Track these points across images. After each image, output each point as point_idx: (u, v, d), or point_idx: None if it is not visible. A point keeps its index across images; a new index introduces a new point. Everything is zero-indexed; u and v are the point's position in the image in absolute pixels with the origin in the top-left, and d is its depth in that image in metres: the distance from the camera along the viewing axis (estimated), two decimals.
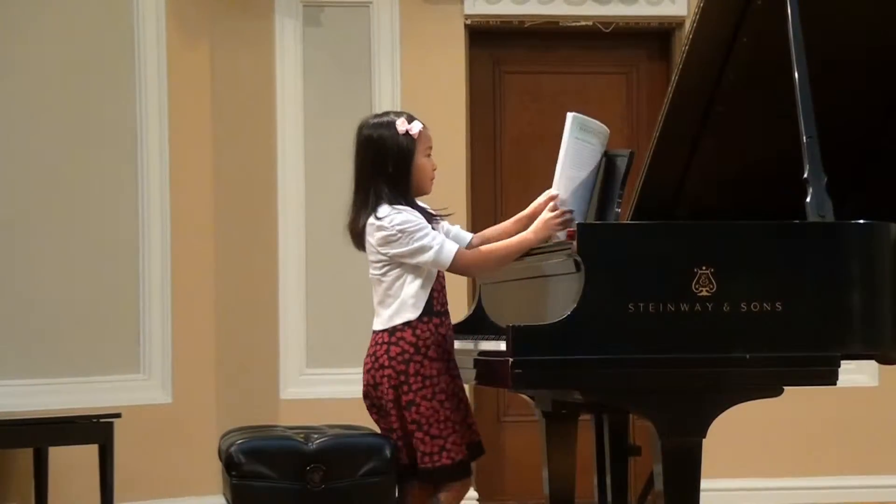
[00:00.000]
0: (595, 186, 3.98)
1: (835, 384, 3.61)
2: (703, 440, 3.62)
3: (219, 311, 6.64)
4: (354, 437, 3.90)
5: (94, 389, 6.20)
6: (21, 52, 6.20)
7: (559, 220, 3.85)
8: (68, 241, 6.24)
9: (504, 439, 6.94)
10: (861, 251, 3.64)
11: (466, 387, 4.11)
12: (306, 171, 6.74)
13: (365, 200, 3.82)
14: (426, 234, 3.76)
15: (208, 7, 6.69)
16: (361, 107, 6.16)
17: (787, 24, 3.78)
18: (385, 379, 3.79)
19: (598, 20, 6.93)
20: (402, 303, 3.80)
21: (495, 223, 4.17)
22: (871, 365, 5.58)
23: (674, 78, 4.04)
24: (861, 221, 3.66)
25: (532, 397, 4.57)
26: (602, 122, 4.01)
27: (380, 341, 3.82)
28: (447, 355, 3.84)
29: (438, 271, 3.83)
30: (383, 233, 3.76)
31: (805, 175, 3.69)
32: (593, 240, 3.56)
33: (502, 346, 3.65)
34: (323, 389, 6.59)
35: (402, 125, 3.83)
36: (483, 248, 3.87)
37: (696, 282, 3.53)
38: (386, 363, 3.79)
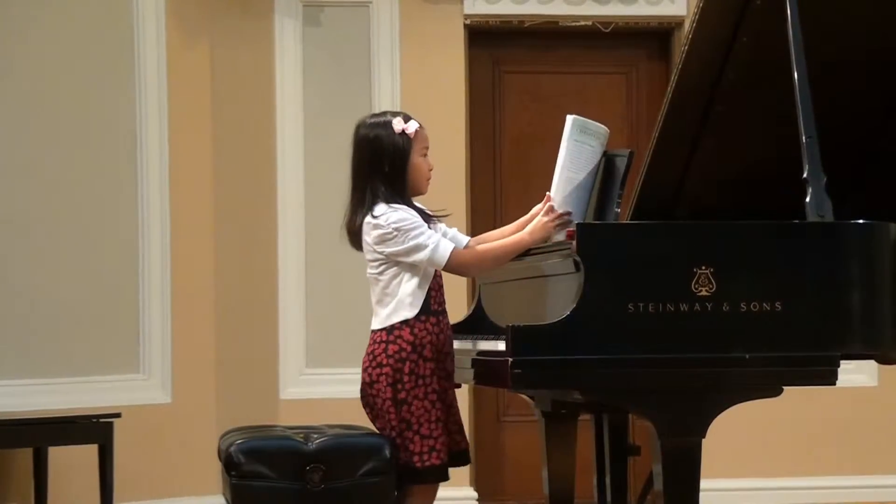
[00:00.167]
0: (594, 188, 3.98)
1: (834, 384, 3.61)
2: (703, 440, 3.61)
3: (218, 311, 6.64)
4: (354, 437, 3.90)
5: (94, 389, 6.20)
6: (21, 52, 6.20)
7: (556, 222, 3.85)
8: (68, 241, 6.24)
9: (504, 439, 6.94)
10: (861, 251, 3.64)
11: (466, 387, 4.11)
12: (306, 170, 6.74)
13: (361, 199, 3.82)
14: (422, 233, 3.76)
15: (208, 6, 6.69)
16: (361, 106, 6.15)
17: (786, 24, 3.78)
18: (383, 377, 3.79)
19: (597, 20, 6.93)
20: (400, 301, 3.80)
21: (495, 223, 4.19)
22: (871, 365, 5.58)
23: (673, 78, 4.04)
24: (861, 221, 3.66)
25: (532, 397, 4.56)
26: (602, 122, 4.01)
27: (378, 340, 3.82)
28: (442, 355, 3.84)
29: (436, 270, 3.83)
30: (379, 231, 3.77)
31: (804, 175, 3.69)
32: (593, 240, 3.56)
33: (501, 345, 3.65)
34: (322, 389, 6.59)
35: (398, 124, 3.84)
36: (479, 247, 3.87)
37: (695, 282, 3.53)
38: (384, 361, 3.79)
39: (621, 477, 4.56)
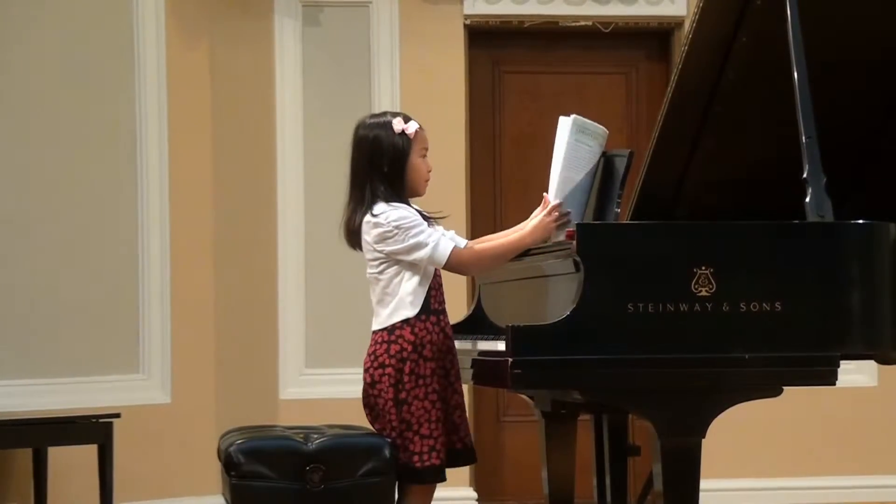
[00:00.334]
0: (593, 188, 3.97)
1: (834, 384, 3.61)
2: (703, 440, 3.61)
3: (218, 311, 6.64)
4: (354, 437, 3.89)
5: (94, 389, 6.20)
6: (20, 52, 6.20)
7: (556, 222, 3.85)
8: (68, 241, 6.24)
9: (504, 439, 6.94)
10: (860, 251, 3.64)
11: (466, 387, 4.10)
12: (306, 170, 6.74)
13: (361, 199, 3.82)
14: (422, 231, 3.76)
15: (208, 7, 6.69)
16: (361, 106, 6.16)
17: (786, 24, 3.78)
18: (385, 378, 3.79)
19: (597, 20, 6.93)
20: (401, 301, 3.80)
21: (494, 222, 4.19)
22: (871, 365, 5.59)
23: (673, 78, 4.04)
24: (860, 221, 3.66)
25: (531, 397, 4.56)
26: (602, 122, 4.01)
27: (379, 340, 3.82)
28: (442, 355, 3.84)
29: (436, 269, 3.83)
30: (379, 230, 3.77)
31: (804, 175, 3.69)
32: (592, 240, 3.56)
33: (500, 345, 3.65)
34: (322, 389, 6.59)
35: (398, 124, 3.84)
36: (479, 245, 3.86)
37: (695, 282, 3.53)
38: (386, 361, 3.79)
39: (621, 477, 4.56)
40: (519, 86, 7.08)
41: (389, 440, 3.79)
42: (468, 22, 6.89)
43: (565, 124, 3.92)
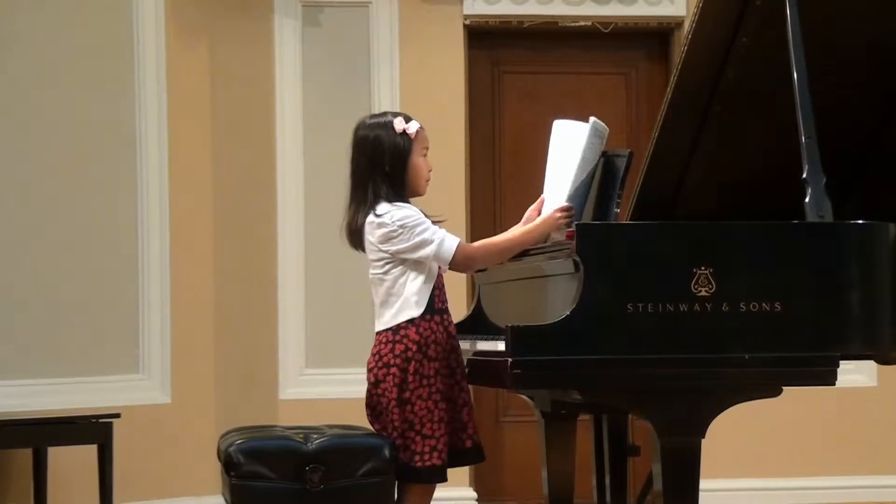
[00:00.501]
0: (592, 188, 3.98)
1: (834, 384, 3.61)
2: (703, 440, 3.61)
3: (218, 311, 6.64)
4: (354, 437, 3.89)
5: (94, 389, 6.20)
6: (20, 52, 6.19)
7: (566, 218, 3.86)
8: (68, 241, 6.24)
9: (503, 439, 6.94)
10: (860, 251, 3.64)
11: None
12: (306, 170, 6.74)
13: (363, 199, 3.82)
14: (426, 228, 3.76)
15: (208, 7, 6.68)
16: (361, 107, 6.16)
17: (786, 24, 3.78)
18: (390, 378, 3.78)
19: (597, 20, 6.93)
20: (406, 300, 3.80)
21: (494, 221, 4.19)
22: (871, 365, 5.59)
23: (673, 78, 4.04)
24: (860, 221, 3.66)
25: (531, 397, 4.56)
26: (602, 122, 4.02)
27: (384, 340, 3.82)
28: (447, 354, 3.84)
29: (439, 269, 3.83)
30: (384, 230, 3.77)
31: (804, 175, 3.69)
32: (592, 240, 3.56)
33: (501, 346, 3.65)
34: (322, 390, 6.59)
35: (399, 124, 3.84)
36: (484, 240, 3.88)
37: (695, 282, 3.53)
38: (391, 362, 3.79)
39: (621, 477, 4.56)
40: (518, 86, 7.08)
41: (390, 440, 3.79)
42: (468, 22, 6.89)
43: (580, 128, 3.92)
